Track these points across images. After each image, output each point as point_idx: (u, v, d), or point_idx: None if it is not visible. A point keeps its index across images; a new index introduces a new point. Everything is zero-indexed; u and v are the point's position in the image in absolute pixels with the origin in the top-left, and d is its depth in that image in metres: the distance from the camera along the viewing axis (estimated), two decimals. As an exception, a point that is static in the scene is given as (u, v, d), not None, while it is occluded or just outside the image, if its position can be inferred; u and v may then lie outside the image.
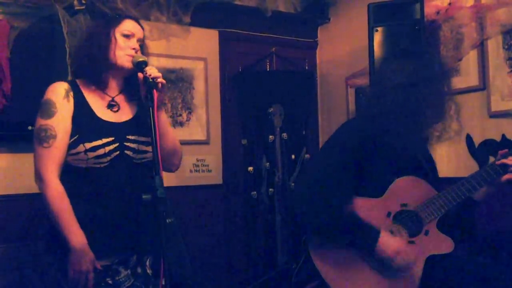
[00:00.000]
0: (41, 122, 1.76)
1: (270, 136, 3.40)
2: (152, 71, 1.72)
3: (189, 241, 2.98)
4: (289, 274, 3.15)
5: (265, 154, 3.47)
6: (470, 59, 2.76)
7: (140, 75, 1.73)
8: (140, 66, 1.74)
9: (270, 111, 3.38)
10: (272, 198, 3.41)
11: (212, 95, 3.48)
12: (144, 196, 1.52)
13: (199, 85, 3.42)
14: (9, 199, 2.68)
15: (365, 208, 1.84)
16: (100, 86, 1.82)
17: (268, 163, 3.45)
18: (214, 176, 3.46)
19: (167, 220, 1.51)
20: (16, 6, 2.62)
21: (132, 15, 1.93)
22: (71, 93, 1.78)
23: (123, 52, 1.78)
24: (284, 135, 3.40)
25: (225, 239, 3.48)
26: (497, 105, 2.63)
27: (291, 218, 3.31)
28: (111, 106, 1.83)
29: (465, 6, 2.76)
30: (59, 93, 1.77)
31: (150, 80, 1.69)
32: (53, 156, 1.73)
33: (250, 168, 3.47)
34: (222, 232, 3.47)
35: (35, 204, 2.71)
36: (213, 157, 3.46)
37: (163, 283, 1.55)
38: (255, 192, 3.46)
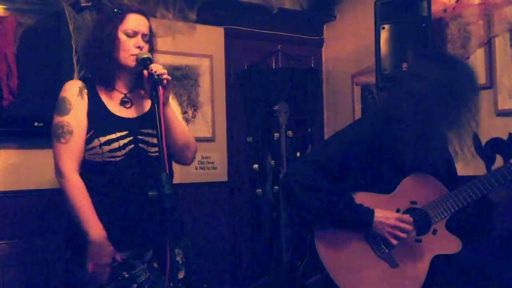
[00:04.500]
0: (57, 119, 1.79)
1: (276, 134, 3.40)
2: (157, 67, 1.72)
3: (194, 238, 2.99)
4: (294, 271, 3.15)
5: (270, 152, 3.47)
6: (477, 57, 2.74)
7: (145, 72, 1.73)
8: (145, 63, 1.74)
9: (275, 108, 3.38)
10: (277, 196, 3.41)
11: (217, 92, 3.48)
12: (150, 193, 1.52)
13: (204, 82, 3.42)
14: (16, 195, 2.69)
15: (373, 203, 1.82)
16: (109, 86, 1.85)
17: (273, 161, 3.45)
18: (219, 173, 3.47)
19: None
20: (22, 2, 2.63)
21: (136, 8, 1.90)
22: (85, 91, 1.82)
23: (128, 53, 1.79)
24: (290, 132, 3.40)
25: (230, 236, 3.48)
26: (504, 104, 2.61)
27: (294, 214, 3.31)
28: (123, 102, 1.86)
29: (472, 3, 2.74)
30: (73, 91, 1.81)
31: (156, 76, 1.69)
32: (71, 151, 1.77)
33: (255, 166, 3.48)
34: (227, 229, 3.47)
35: (42, 199, 2.74)
36: (218, 154, 3.46)
37: (168, 280, 1.56)
38: (260, 190, 3.46)
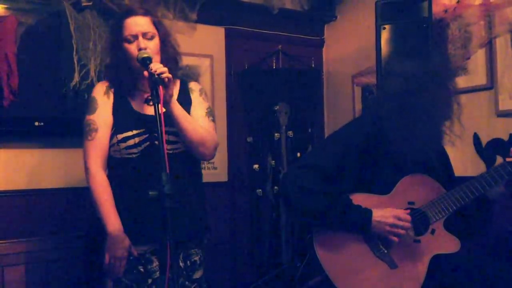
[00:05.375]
0: (86, 117, 1.90)
1: (276, 134, 3.39)
2: (156, 66, 1.72)
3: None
4: (293, 272, 3.15)
5: (270, 152, 3.47)
6: (478, 58, 2.74)
7: (145, 72, 1.73)
8: (145, 62, 1.75)
9: (276, 109, 3.38)
10: (277, 196, 3.40)
11: (218, 92, 3.48)
12: (150, 193, 1.53)
13: (205, 82, 3.42)
14: (17, 195, 2.69)
15: (371, 204, 1.82)
16: (128, 91, 1.90)
17: (273, 161, 3.45)
18: (219, 173, 3.46)
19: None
20: (23, 2, 2.63)
21: (134, 9, 1.91)
22: (112, 90, 1.91)
23: (134, 59, 1.82)
24: (290, 133, 3.40)
25: (230, 237, 3.48)
26: (505, 104, 2.62)
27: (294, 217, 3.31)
28: (148, 101, 1.88)
29: (473, 4, 2.74)
30: (100, 91, 1.91)
31: (156, 76, 1.69)
32: (96, 148, 1.85)
33: (256, 166, 3.47)
34: (227, 229, 3.47)
35: (42, 199, 2.74)
36: (218, 154, 3.43)
37: (169, 279, 1.56)
38: (260, 190, 3.46)
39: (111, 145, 1.87)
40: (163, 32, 1.92)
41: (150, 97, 1.89)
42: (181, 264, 1.90)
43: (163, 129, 1.62)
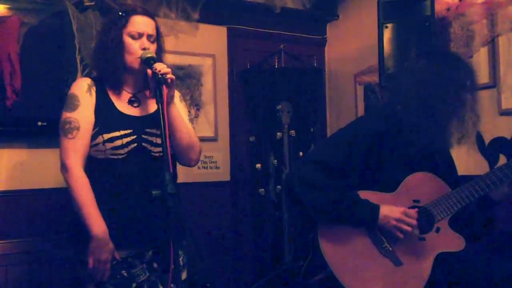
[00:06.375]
0: (65, 115, 1.81)
1: (278, 133, 3.39)
2: (161, 66, 1.73)
3: (196, 238, 2.99)
4: (296, 271, 3.15)
5: (273, 151, 3.47)
6: (481, 56, 2.73)
7: (149, 71, 1.73)
8: (149, 62, 1.75)
9: (278, 108, 3.38)
10: (280, 195, 3.41)
11: (220, 92, 3.48)
12: (153, 192, 1.52)
13: (207, 82, 3.42)
14: (19, 194, 2.70)
15: (377, 201, 1.83)
16: (116, 87, 1.86)
17: (276, 160, 3.45)
18: (222, 173, 3.47)
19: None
20: (26, 2, 2.63)
21: (140, 9, 1.90)
22: (94, 88, 1.84)
23: (134, 56, 1.80)
24: (292, 132, 3.40)
25: (232, 236, 3.48)
26: (508, 103, 2.61)
27: (298, 214, 3.31)
28: (131, 101, 1.88)
29: (476, 2, 2.73)
30: (82, 88, 1.83)
31: (159, 76, 1.69)
32: (77, 147, 1.78)
33: (258, 165, 3.47)
34: (229, 229, 3.47)
35: (45, 199, 2.75)
36: (221, 154, 3.46)
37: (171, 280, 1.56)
38: (262, 189, 3.46)
39: (93, 145, 1.79)
40: (161, 40, 1.92)
41: (133, 98, 1.87)
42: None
43: (167, 129, 1.61)
